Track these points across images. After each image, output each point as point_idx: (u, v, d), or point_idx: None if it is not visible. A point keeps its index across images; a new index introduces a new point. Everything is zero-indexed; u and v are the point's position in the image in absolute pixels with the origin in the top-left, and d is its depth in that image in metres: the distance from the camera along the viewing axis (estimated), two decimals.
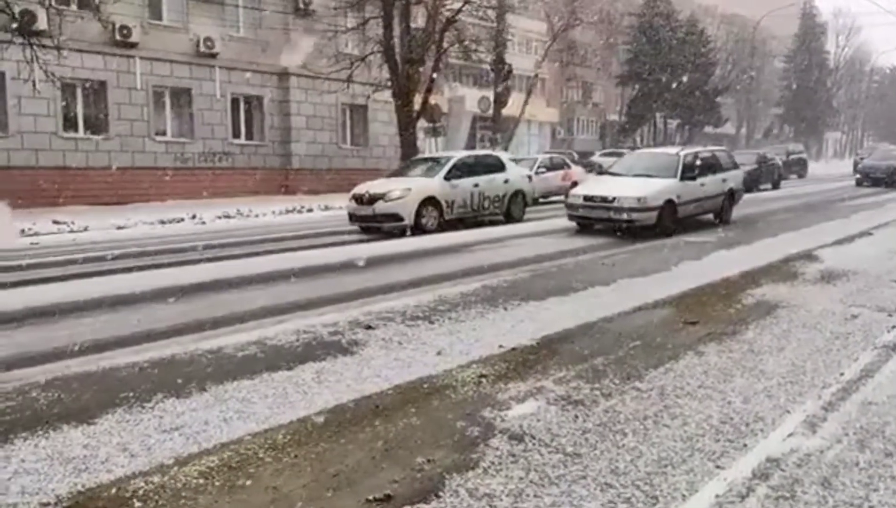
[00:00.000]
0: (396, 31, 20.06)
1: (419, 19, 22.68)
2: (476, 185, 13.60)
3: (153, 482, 3.18)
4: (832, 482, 3.15)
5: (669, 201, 11.62)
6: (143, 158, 19.80)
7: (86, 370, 4.79)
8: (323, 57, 21.15)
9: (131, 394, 4.27)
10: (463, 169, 13.58)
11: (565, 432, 3.69)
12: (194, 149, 20.88)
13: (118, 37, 18.61)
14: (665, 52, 45.20)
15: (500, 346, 5.23)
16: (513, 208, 14.63)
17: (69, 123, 18.63)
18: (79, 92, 18.78)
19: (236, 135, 22.09)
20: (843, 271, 8.22)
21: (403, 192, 12.52)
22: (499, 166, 14.61)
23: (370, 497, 3.01)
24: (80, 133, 18.86)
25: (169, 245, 11.57)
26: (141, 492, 3.09)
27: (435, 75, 21.87)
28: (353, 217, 13.15)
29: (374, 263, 9.23)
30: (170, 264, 9.45)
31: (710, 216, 13.61)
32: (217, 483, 3.17)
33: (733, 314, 6.23)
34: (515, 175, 14.91)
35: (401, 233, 12.43)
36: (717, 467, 3.29)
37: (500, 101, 28.41)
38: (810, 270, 8.38)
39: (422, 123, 22.34)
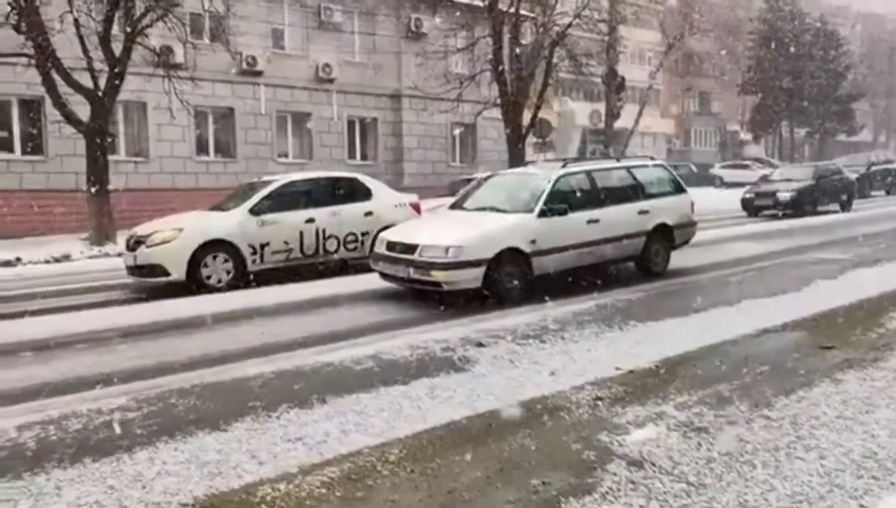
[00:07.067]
0: (506, 48, 20.19)
1: (528, 35, 22.71)
2: (311, 220, 10.05)
3: (279, 489, 3.33)
4: None
5: (511, 251, 7.60)
6: None
7: (218, 379, 5.12)
8: (433, 77, 21.62)
9: (259, 403, 4.50)
10: (290, 198, 10.16)
11: (688, 460, 3.52)
12: (314, 169, 21.91)
13: (245, 66, 19.93)
14: (791, 56, 42.65)
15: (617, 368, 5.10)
16: None
17: (201, 147, 20.13)
18: (210, 118, 20.25)
19: (352, 156, 22.98)
20: None
21: (171, 233, 9.10)
22: (359, 193, 10.84)
23: None
24: (211, 156, 20.30)
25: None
26: (269, 498, 3.24)
27: (544, 91, 21.75)
28: (127, 268, 9.66)
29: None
30: (290, 281, 9.91)
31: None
32: (338, 494, 3.27)
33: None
34: (385, 205, 10.89)
35: (196, 291, 8.90)
36: (861, 506, 3.03)
37: (613, 113, 27.82)
38: None
39: (531, 139, 22.28)
